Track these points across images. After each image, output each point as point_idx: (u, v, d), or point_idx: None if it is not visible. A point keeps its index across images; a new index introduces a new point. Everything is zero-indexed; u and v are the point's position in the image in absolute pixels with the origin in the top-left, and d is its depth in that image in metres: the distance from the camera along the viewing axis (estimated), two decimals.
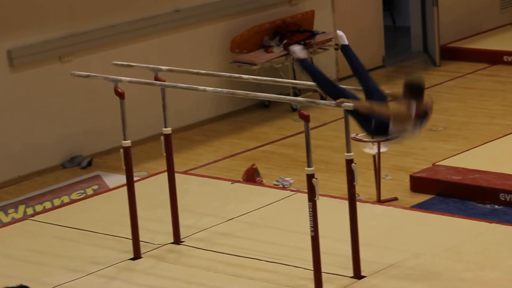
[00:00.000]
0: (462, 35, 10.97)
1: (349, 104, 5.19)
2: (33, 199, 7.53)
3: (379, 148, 6.79)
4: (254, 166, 7.43)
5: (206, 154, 8.33)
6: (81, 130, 8.31)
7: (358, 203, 5.62)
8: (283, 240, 6.21)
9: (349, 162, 5.49)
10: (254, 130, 8.89)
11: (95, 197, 7.31)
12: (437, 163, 7.37)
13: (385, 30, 10.63)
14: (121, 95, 6.02)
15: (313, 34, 9.44)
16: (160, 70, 6.21)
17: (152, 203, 6.88)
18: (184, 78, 6.66)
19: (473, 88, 9.61)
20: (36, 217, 6.93)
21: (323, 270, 5.52)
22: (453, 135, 8.31)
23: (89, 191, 7.60)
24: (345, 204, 5.66)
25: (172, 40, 8.84)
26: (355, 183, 5.50)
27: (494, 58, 10.32)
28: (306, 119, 5.38)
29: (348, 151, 5.50)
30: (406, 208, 6.70)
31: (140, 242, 6.13)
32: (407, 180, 7.23)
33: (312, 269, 5.51)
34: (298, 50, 5.40)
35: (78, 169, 8.15)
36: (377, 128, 5.26)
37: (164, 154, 6.18)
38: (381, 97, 5.39)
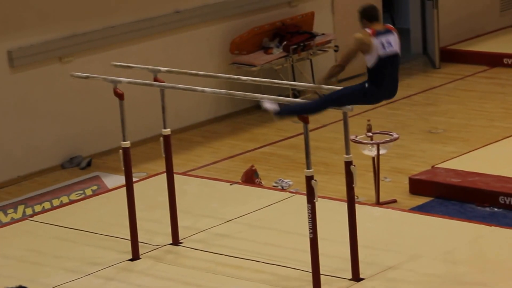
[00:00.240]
0: (462, 37, 10.97)
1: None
2: (32, 200, 7.53)
3: (378, 150, 6.79)
4: (253, 168, 7.43)
5: (205, 155, 8.33)
6: (80, 130, 8.31)
7: (357, 205, 5.62)
8: (282, 241, 6.21)
9: (348, 164, 5.49)
10: (253, 131, 8.89)
11: (94, 197, 7.31)
12: (436, 166, 7.37)
13: None
14: (120, 96, 6.02)
15: (313, 36, 9.44)
16: (160, 71, 6.21)
17: (151, 204, 6.88)
18: (184, 79, 6.66)
19: (473, 91, 9.61)
20: (35, 218, 6.93)
21: (321, 272, 5.52)
22: (452, 137, 8.31)
23: (88, 192, 7.60)
24: (344, 206, 5.66)
25: (171, 41, 8.84)
26: (354, 185, 5.49)
27: (494, 60, 10.32)
28: (305, 121, 5.38)
29: (347, 153, 5.50)
30: (405, 211, 6.69)
31: (139, 243, 6.13)
32: (406, 183, 7.22)
33: (310, 271, 5.51)
34: (268, 105, 5.45)
35: (77, 169, 8.15)
36: (371, 81, 5.21)
37: (163, 155, 6.18)
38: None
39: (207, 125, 9.11)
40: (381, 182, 7.00)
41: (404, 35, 11.49)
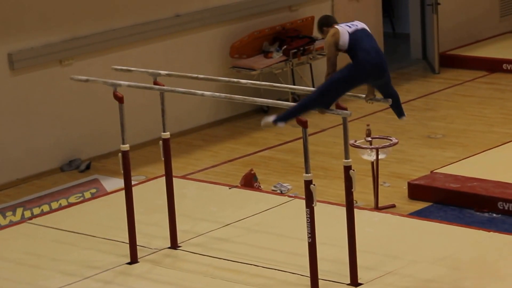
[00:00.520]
0: (461, 42, 10.99)
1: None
2: (31, 202, 7.53)
3: (377, 155, 6.79)
4: (252, 172, 7.43)
5: (204, 158, 8.34)
6: (80, 133, 8.32)
7: (355, 210, 5.62)
8: (280, 246, 6.21)
9: (347, 168, 5.49)
10: (253, 135, 8.89)
11: (92, 200, 7.30)
12: (435, 171, 7.37)
13: (384, 37, 10.66)
14: (120, 99, 6.02)
15: (313, 40, 9.46)
16: (159, 74, 6.21)
17: (150, 207, 6.88)
18: (183, 82, 6.66)
19: (472, 96, 9.62)
20: (34, 220, 6.93)
21: (320, 277, 5.51)
22: (451, 142, 8.31)
23: (87, 195, 7.60)
24: (342, 211, 5.65)
25: (172, 44, 8.85)
26: (353, 190, 5.49)
27: (493, 66, 10.33)
28: (304, 125, 5.38)
29: (347, 157, 5.50)
30: (403, 216, 6.69)
31: (137, 247, 6.13)
32: (405, 188, 7.22)
33: (309, 275, 5.50)
34: (266, 120, 5.49)
35: (76, 172, 8.15)
36: (354, 56, 5.29)
37: (163, 159, 6.18)
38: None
39: (207, 128, 9.12)
40: (380, 187, 7.01)
41: (403, 40, 11.53)
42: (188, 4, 8.93)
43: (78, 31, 8.24)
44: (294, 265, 5.88)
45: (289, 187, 7.49)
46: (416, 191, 7.13)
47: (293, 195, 7.12)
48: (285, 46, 9.35)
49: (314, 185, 5.37)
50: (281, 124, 5.46)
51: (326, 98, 5.37)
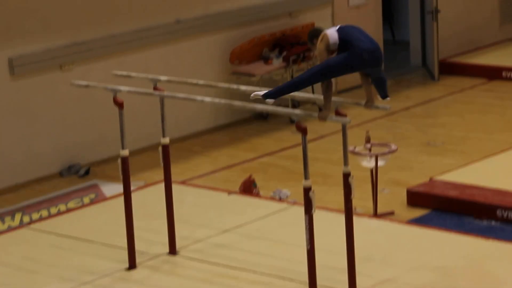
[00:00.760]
0: (461, 50, 11.01)
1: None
2: (30, 207, 7.53)
3: (376, 161, 6.80)
4: (251, 178, 7.43)
5: (203, 164, 8.34)
6: (79, 138, 8.32)
7: (354, 217, 5.61)
8: (279, 252, 6.21)
9: (346, 176, 5.49)
10: (252, 141, 8.90)
11: (91, 206, 7.31)
12: (434, 178, 7.37)
13: (384, 44, 10.67)
14: (120, 105, 6.03)
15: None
16: (159, 80, 6.22)
17: (149, 213, 6.88)
18: (183, 88, 6.67)
19: (472, 103, 9.63)
20: (33, 225, 6.93)
21: (318, 283, 5.51)
22: (451, 149, 8.32)
23: (86, 200, 7.60)
24: (341, 218, 5.65)
25: (172, 50, 8.87)
26: (352, 197, 5.49)
27: (493, 73, 10.34)
28: (303, 132, 5.38)
29: (346, 164, 5.50)
30: (402, 223, 6.69)
31: (136, 252, 6.13)
32: (404, 194, 7.23)
33: (307, 282, 5.50)
34: (256, 93, 5.48)
35: (75, 177, 8.15)
36: (347, 46, 5.31)
37: (162, 165, 6.18)
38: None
39: (206, 134, 9.13)
40: (379, 194, 7.00)
41: (403, 47, 11.55)
42: (188, 10, 8.95)
43: (78, 37, 8.25)
44: (293, 271, 5.88)
45: (288, 193, 7.49)
46: (415, 198, 7.13)
47: (292, 202, 7.12)
48: (285, 53, 9.37)
49: (313, 192, 5.37)
50: (269, 101, 5.43)
51: (316, 80, 5.35)
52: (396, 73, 10.77)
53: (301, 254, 5.64)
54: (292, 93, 6.78)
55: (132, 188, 6.20)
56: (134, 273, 6.07)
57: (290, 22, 9.68)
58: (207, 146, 8.82)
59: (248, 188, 7.35)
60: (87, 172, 8.21)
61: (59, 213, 7.30)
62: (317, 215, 5.46)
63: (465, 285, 5.66)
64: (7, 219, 7.33)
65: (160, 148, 6.16)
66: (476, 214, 6.84)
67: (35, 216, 7.33)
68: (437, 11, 10.36)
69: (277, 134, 9.03)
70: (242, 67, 9.27)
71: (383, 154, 6.81)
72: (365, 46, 5.30)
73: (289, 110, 5.81)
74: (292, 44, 9.43)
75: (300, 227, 5.65)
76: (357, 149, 6.81)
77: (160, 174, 6.44)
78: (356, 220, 5.66)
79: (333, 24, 9.95)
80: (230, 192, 7.31)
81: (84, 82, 6.46)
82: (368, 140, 6.94)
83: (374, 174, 6.85)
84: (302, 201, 5.46)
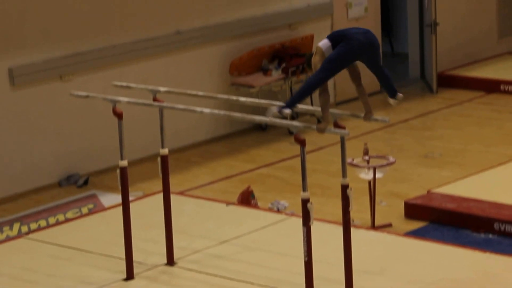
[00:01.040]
0: (459, 63, 11.05)
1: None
2: (28, 217, 7.54)
3: (374, 174, 6.82)
4: (250, 189, 7.44)
5: (202, 175, 8.35)
6: (78, 148, 8.34)
7: (352, 229, 5.62)
8: (277, 264, 6.21)
9: (344, 188, 5.51)
10: (251, 152, 8.92)
11: (90, 216, 7.31)
12: (432, 190, 7.39)
13: (383, 56, 10.69)
14: (119, 116, 6.05)
15: (308, 55, 9.49)
16: (159, 91, 6.24)
17: (147, 223, 6.89)
18: (183, 99, 6.70)
19: (470, 116, 9.66)
20: (31, 235, 6.93)
21: None
22: (448, 162, 8.34)
23: (85, 210, 7.61)
24: (339, 229, 5.67)
25: (172, 61, 8.90)
26: (350, 209, 5.51)
27: (491, 86, 10.38)
28: (302, 143, 5.40)
29: (344, 176, 5.52)
30: (400, 235, 6.71)
31: (134, 263, 6.13)
32: (401, 207, 7.24)
33: None
34: (271, 111, 5.51)
35: (74, 187, 8.16)
36: (339, 41, 5.40)
37: (161, 175, 6.20)
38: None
39: (205, 145, 9.15)
40: (376, 206, 7.02)
41: (402, 59, 11.59)
42: (188, 21, 8.98)
43: (78, 47, 8.28)
44: (291, 283, 5.89)
45: (286, 204, 7.50)
46: (412, 210, 7.15)
47: (290, 213, 7.14)
48: (284, 64, 9.40)
49: (311, 203, 5.38)
50: (287, 111, 5.44)
51: (324, 78, 5.39)
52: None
53: (299, 266, 5.65)
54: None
55: (130, 198, 6.21)
56: (131, 283, 6.07)
57: (289, 34, 9.72)
58: (206, 157, 8.84)
59: (246, 199, 7.36)
60: (85, 182, 8.22)
61: (58, 223, 7.31)
62: (315, 226, 5.48)
63: None
64: (6, 228, 7.34)
65: (159, 159, 6.18)
66: (473, 227, 6.85)
67: (33, 226, 7.33)
68: (435, 24, 10.40)
69: (276, 145, 9.06)
70: (241, 78, 9.31)
71: (381, 166, 6.83)
72: (356, 30, 5.42)
73: (288, 122, 5.83)
74: (291, 56, 9.46)
75: (298, 238, 5.66)
76: (355, 161, 6.83)
77: (158, 185, 6.45)
78: (353, 232, 5.68)
79: None
80: (228, 203, 7.32)
81: (83, 93, 6.48)
82: (366, 152, 6.96)
83: (372, 186, 6.87)
84: (300, 213, 5.48)
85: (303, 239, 5.41)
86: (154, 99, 6.21)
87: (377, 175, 6.83)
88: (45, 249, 6.64)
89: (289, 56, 9.45)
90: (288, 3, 9.68)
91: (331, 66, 5.36)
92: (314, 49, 5.50)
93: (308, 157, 5.48)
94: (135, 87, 6.47)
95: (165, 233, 6.25)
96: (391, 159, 6.89)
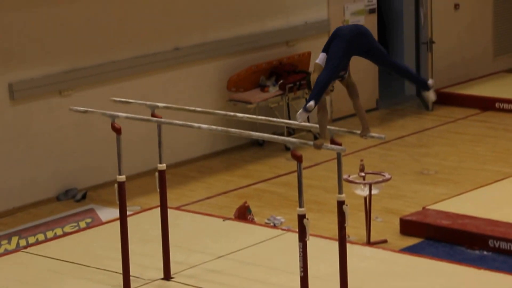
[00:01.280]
0: (455, 80, 11.13)
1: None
2: (26, 231, 7.56)
3: (370, 190, 6.86)
4: (246, 204, 7.48)
5: (199, 190, 8.39)
6: (77, 163, 8.38)
7: (347, 245, 5.65)
8: (273, 279, 6.24)
9: (340, 203, 5.54)
10: (248, 167, 8.96)
11: (87, 230, 7.34)
12: (427, 207, 7.43)
13: (379, 73, 10.79)
14: (117, 131, 6.09)
15: (309, 75, 9.55)
16: (157, 107, 6.29)
17: (144, 237, 6.92)
18: (181, 114, 6.75)
19: (465, 134, 9.71)
20: (29, 249, 6.95)
21: None
22: (443, 179, 8.38)
23: (82, 224, 7.64)
24: (335, 245, 5.69)
25: (170, 77, 8.96)
26: (346, 225, 5.54)
27: (486, 104, 10.44)
28: (298, 159, 5.44)
29: (340, 192, 5.55)
30: (395, 251, 6.74)
31: (130, 277, 6.15)
32: (397, 223, 7.28)
33: None
34: (300, 115, 5.52)
35: (72, 202, 8.19)
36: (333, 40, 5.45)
37: (158, 190, 6.23)
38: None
39: (203, 160, 9.19)
40: (372, 222, 7.06)
41: (398, 77, 11.60)
42: (187, 38, 9.05)
43: (78, 63, 8.34)
44: None
45: (282, 220, 7.54)
46: (408, 226, 7.19)
47: (286, 228, 7.17)
48: (281, 81, 9.47)
49: (307, 219, 5.42)
50: (311, 105, 5.40)
51: (332, 73, 5.40)
52: (391, 102, 10.87)
53: (294, 281, 5.68)
54: (287, 121, 6.88)
55: (128, 213, 6.24)
56: None
57: (286, 51, 9.79)
58: (203, 172, 8.88)
59: (243, 214, 7.40)
60: (83, 197, 8.26)
61: (56, 237, 7.34)
62: (311, 242, 5.50)
63: None
64: (4, 242, 7.36)
65: (156, 174, 6.22)
66: (468, 243, 6.89)
67: (31, 239, 7.36)
68: (431, 42, 10.48)
69: (272, 161, 9.10)
70: (239, 95, 9.37)
71: (377, 182, 6.87)
72: (342, 26, 5.49)
73: (284, 138, 5.88)
74: (289, 73, 9.53)
75: (294, 253, 5.69)
76: (351, 177, 6.88)
77: (155, 199, 6.49)
78: (349, 247, 5.70)
79: None
80: (225, 218, 7.36)
81: (82, 108, 6.53)
82: (362, 169, 7.01)
83: (367, 202, 6.91)
84: (296, 228, 5.51)
85: (299, 255, 5.45)
86: (153, 115, 6.26)
87: (372, 192, 6.87)
88: (43, 263, 6.67)
89: (286, 73, 9.52)
90: (286, 20, 9.77)
91: (334, 62, 5.37)
92: (312, 67, 5.56)
93: (304, 172, 5.51)
94: (133, 103, 6.52)
95: (162, 248, 6.28)
96: (387, 175, 6.93)
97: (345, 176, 6.70)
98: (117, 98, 6.60)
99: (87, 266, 6.55)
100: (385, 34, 12.16)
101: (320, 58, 5.54)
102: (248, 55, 9.48)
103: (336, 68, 5.43)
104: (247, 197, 7.95)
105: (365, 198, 6.92)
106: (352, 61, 5.58)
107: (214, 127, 6.11)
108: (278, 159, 9.13)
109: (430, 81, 5.58)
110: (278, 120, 6.67)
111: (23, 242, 7.32)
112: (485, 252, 6.79)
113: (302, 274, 5.47)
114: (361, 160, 7.13)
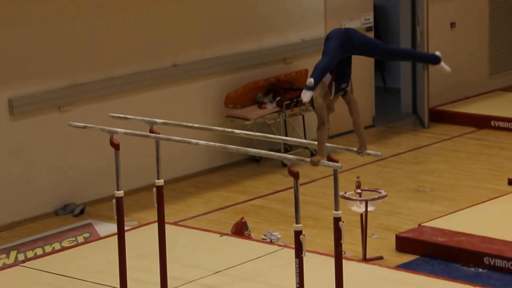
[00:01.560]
0: (451, 98, 11.19)
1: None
2: (25, 245, 7.58)
3: (366, 207, 6.90)
4: (243, 220, 7.52)
5: (196, 205, 8.43)
6: (75, 178, 8.41)
7: (344, 261, 5.68)
8: None
9: (337, 220, 5.57)
10: (245, 183, 9.00)
11: (85, 245, 7.36)
12: (423, 224, 7.47)
13: (375, 91, 10.85)
14: (116, 146, 6.14)
15: None
16: (155, 123, 6.34)
17: (141, 252, 6.94)
18: (179, 130, 6.79)
19: (461, 151, 9.75)
20: (27, 264, 6.97)
21: None
22: (439, 196, 8.42)
23: (80, 239, 7.67)
24: (331, 261, 5.72)
25: (169, 93, 9.01)
26: (342, 241, 5.57)
27: (482, 122, 10.49)
28: (295, 176, 5.48)
29: (337, 209, 5.58)
30: (391, 268, 6.77)
31: None
32: (393, 240, 7.31)
33: None
34: (306, 95, 5.47)
35: (70, 216, 8.22)
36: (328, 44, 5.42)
37: (156, 205, 6.27)
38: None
39: (200, 176, 9.23)
40: (368, 239, 7.09)
41: (394, 94, 11.73)
42: (185, 55, 9.12)
43: (77, 79, 8.40)
44: None
45: (278, 236, 7.58)
46: (403, 243, 7.22)
47: (283, 244, 7.21)
48: (278, 98, 9.53)
49: (303, 235, 5.45)
50: (312, 81, 5.32)
51: (331, 58, 5.36)
52: (387, 119, 10.92)
53: None
54: (285, 138, 6.92)
55: (126, 228, 6.27)
56: None
57: (284, 68, 9.86)
58: (201, 188, 8.91)
59: (240, 230, 7.43)
60: (82, 212, 8.29)
61: (54, 251, 7.35)
62: (307, 258, 5.53)
63: None
64: (2, 256, 7.37)
65: (154, 189, 6.26)
66: (463, 261, 6.91)
67: (30, 254, 7.38)
68: None
69: (269, 177, 9.14)
70: (236, 111, 9.42)
71: (373, 199, 6.91)
72: (333, 29, 5.49)
73: (281, 155, 5.93)
74: (286, 90, 9.59)
75: (290, 269, 5.72)
76: (347, 194, 6.92)
77: (153, 215, 6.52)
78: (345, 264, 5.73)
79: None
80: (222, 234, 7.39)
81: (81, 124, 6.56)
82: (358, 186, 7.06)
83: (363, 219, 6.95)
84: (293, 244, 5.54)
85: (296, 271, 5.47)
86: (151, 131, 6.31)
87: (369, 208, 6.90)
88: (41, 277, 6.68)
89: (283, 90, 9.58)
90: (283, 38, 9.84)
91: (330, 53, 5.32)
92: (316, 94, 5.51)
93: (301, 189, 5.55)
94: (132, 119, 6.56)
95: (159, 263, 6.30)
96: (383, 192, 6.97)
97: (341, 193, 6.74)
98: (115, 114, 6.65)
99: (85, 280, 6.56)
100: None
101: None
102: (245, 72, 9.54)
103: (333, 57, 5.35)
104: (244, 213, 7.99)
105: (361, 215, 6.95)
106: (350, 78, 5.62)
107: (211, 143, 6.15)
108: (275, 175, 9.17)
109: (437, 53, 5.39)
110: (275, 136, 6.72)
111: (21, 257, 7.34)
112: (480, 270, 6.81)
113: None
114: (358, 177, 7.17)
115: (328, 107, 5.48)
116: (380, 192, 6.97)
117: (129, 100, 8.69)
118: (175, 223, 7.74)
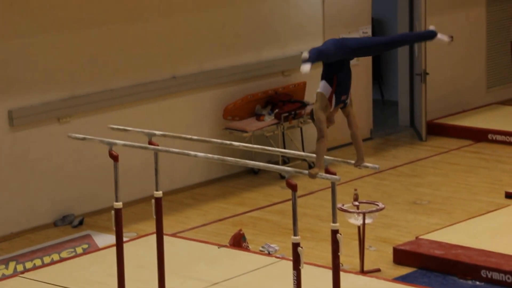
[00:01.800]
0: (448, 111, 11.23)
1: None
2: (23, 256, 7.60)
3: (364, 219, 6.93)
4: (241, 232, 7.54)
5: (194, 217, 8.45)
6: (74, 189, 8.43)
7: (341, 273, 5.70)
8: None
9: (334, 232, 5.60)
10: (243, 195, 9.02)
11: (84, 256, 7.38)
12: (420, 237, 7.49)
13: (373, 104, 10.89)
14: (115, 158, 6.16)
15: (304, 105, 9.68)
16: (154, 134, 6.37)
17: (140, 264, 6.96)
18: (178, 142, 6.82)
19: (458, 164, 9.78)
20: (26, 274, 6.98)
21: None
22: (436, 209, 8.45)
23: (79, 250, 7.68)
24: (328, 273, 5.74)
25: (167, 105, 9.05)
26: (339, 254, 5.59)
27: (479, 135, 10.52)
28: (293, 188, 5.51)
29: (334, 221, 5.61)
30: (388, 280, 6.78)
31: None
32: (390, 252, 7.33)
33: None
34: (304, 68, 5.52)
35: (69, 227, 8.24)
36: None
37: (154, 217, 6.29)
38: None
39: (198, 187, 9.25)
40: (366, 251, 7.11)
41: (392, 107, 11.77)
42: (184, 67, 9.16)
43: (76, 90, 8.43)
44: None
45: (276, 248, 7.59)
46: (401, 256, 7.23)
47: (280, 256, 7.22)
48: (277, 110, 9.57)
49: (301, 247, 5.47)
50: (306, 55, 5.40)
51: (326, 49, 5.44)
52: (384, 132, 10.96)
53: None
54: (283, 150, 6.95)
55: (124, 239, 6.29)
56: None
57: (282, 81, 9.90)
58: (199, 200, 8.93)
59: (238, 242, 7.45)
60: (80, 223, 8.31)
61: (52, 262, 7.37)
62: (305, 270, 5.55)
63: None
64: (1, 267, 7.38)
65: (153, 201, 6.28)
66: (460, 274, 6.93)
67: (28, 265, 7.39)
68: (425, 73, 10.60)
69: (267, 189, 9.16)
70: (235, 123, 9.46)
71: (371, 212, 6.93)
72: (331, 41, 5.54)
73: (279, 167, 5.96)
74: (284, 102, 9.63)
75: (288, 281, 5.73)
76: (345, 206, 6.94)
77: (151, 226, 6.54)
78: (343, 276, 5.74)
79: None
80: (220, 245, 7.41)
81: (80, 135, 6.59)
82: (356, 198, 7.08)
83: (361, 231, 6.97)
84: (291, 256, 5.56)
85: (293, 282, 5.49)
86: (150, 143, 6.34)
87: (366, 221, 6.93)
88: None
89: (281, 102, 9.62)
90: (281, 50, 9.89)
91: (323, 52, 5.40)
92: (307, 97, 5.61)
93: (298, 201, 5.56)
94: (131, 130, 6.59)
95: (158, 274, 6.32)
96: (381, 205, 7.00)
97: (339, 205, 6.77)
98: (114, 125, 6.68)
99: None
100: (379, 64, 12.30)
101: (321, 87, 5.59)
102: (244, 85, 9.59)
103: (328, 48, 5.41)
104: (242, 225, 8.01)
105: (359, 227, 6.98)
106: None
107: (210, 155, 6.18)
108: (273, 187, 9.20)
109: (431, 27, 5.47)
110: (273, 149, 6.75)
111: (20, 267, 7.35)
112: (477, 283, 6.82)
113: None
114: (355, 190, 7.20)
115: (328, 119, 5.52)
116: (377, 205, 7.00)
117: (128, 111, 8.72)
118: (174, 235, 7.75)
